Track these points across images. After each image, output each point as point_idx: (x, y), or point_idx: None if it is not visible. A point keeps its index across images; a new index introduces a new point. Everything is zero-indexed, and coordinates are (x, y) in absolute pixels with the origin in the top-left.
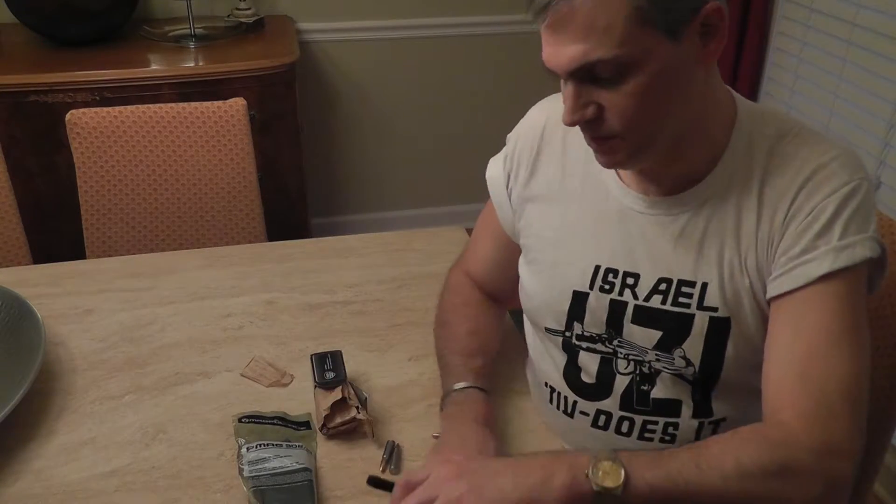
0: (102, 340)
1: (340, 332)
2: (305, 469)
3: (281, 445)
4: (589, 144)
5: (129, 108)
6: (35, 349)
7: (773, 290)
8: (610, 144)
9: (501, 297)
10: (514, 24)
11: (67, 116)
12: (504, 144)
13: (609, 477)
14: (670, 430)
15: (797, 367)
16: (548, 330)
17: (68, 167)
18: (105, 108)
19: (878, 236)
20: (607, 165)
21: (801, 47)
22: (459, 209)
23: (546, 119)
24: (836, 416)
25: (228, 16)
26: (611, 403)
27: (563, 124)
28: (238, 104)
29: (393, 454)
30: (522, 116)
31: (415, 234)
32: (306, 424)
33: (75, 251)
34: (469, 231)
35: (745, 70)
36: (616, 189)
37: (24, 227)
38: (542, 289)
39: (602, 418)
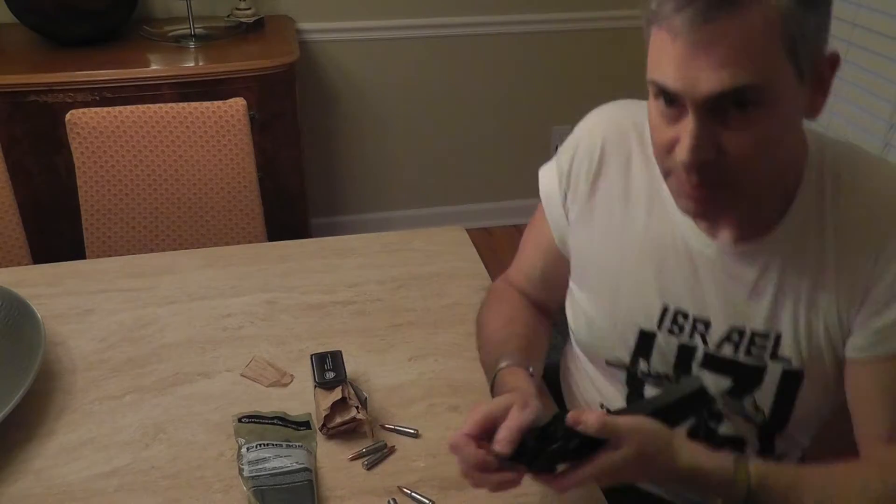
0: (102, 340)
1: (340, 332)
2: (305, 469)
3: (281, 445)
4: (686, 193)
5: (129, 108)
6: (35, 349)
7: (857, 352)
8: (715, 193)
9: (548, 308)
10: (514, 24)
11: (67, 116)
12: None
13: None
14: None
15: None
16: (608, 363)
17: (68, 167)
18: (105, 108)
19: None
20: (698, 214)
21: None
22: (459, 209)
23: (606, 131)
24: None
25: (228, 16)
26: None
27: (624, 142)
28: (238, 104)
29: (377, 452)
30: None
31: (415, 234)
32: (306, 424)
33: (75, 251)
34: (469, 231)
35: None
36: (684, 227)
37: (24, 227)
38: (604, 321)
39: None
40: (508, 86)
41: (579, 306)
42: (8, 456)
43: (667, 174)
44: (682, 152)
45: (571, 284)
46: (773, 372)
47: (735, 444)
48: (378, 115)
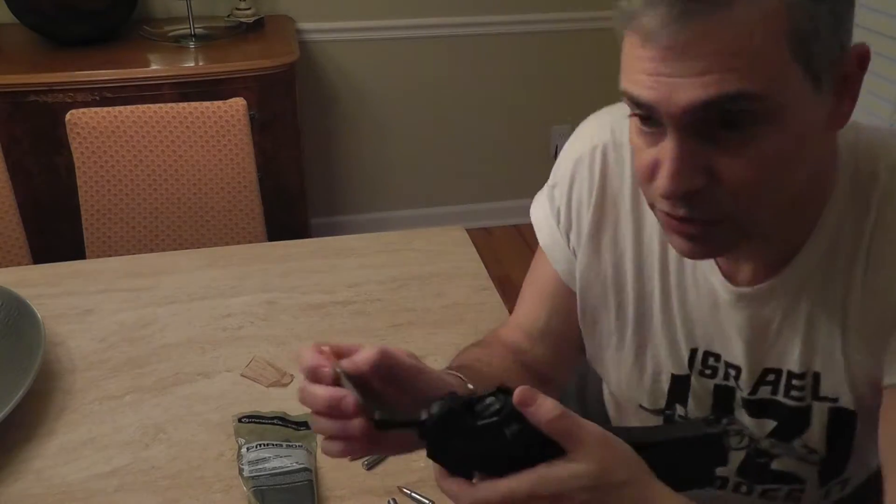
0: (102, 340)
1: (340, 332)
2: (305, 469)
3: (281, 445)
4: (674, 228)
5: (129, 108)
6: (35, 349)
7: (892, 378)
8: (710, 230)
9: (548, 370)
10: (514, 24)
11: (67, 116)
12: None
13: None
14: (795, 493)
15: None
16: (642, 407)
17: (68, 167)
18: (105, 108)
19: None
20: (694, 255)
21: None
22: (459, 209)
23: (606, 148)
24: None
25: (228, 16)
26: (727, 471)
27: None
28: (238, 104)
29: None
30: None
31: (415, 234)
32: (306, 424)
33: (75, 251)
34: (469, 231)
35: None
36: (701, 264)
37: (24, 227)
38: (631, 370)
39: (718, 481)
40: (508, 86)
41: (600, 358)
42: (8, 456)
43: (653, 205)
44: (661, 180)
45: (586, 338)
46: (820, 412)
47: (792, 477)
48: (378, 114)
